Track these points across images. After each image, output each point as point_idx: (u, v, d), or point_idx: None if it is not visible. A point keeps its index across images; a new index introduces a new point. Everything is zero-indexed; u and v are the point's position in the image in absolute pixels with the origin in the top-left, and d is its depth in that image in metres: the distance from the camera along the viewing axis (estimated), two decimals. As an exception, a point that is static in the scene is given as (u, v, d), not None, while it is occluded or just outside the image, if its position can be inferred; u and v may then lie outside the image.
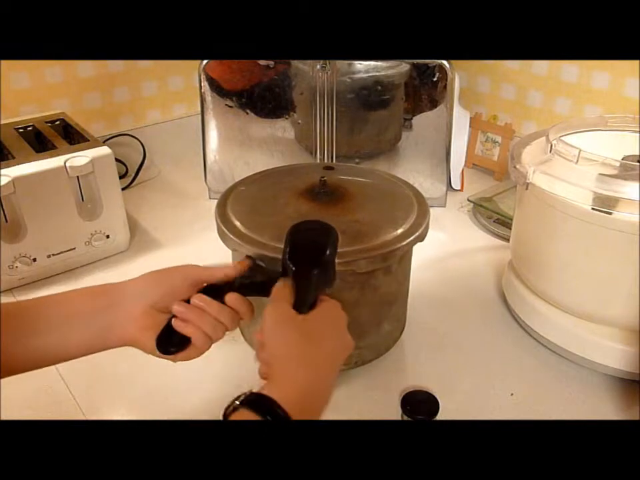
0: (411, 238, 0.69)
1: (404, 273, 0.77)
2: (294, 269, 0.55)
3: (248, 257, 0.64)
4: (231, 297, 0.56)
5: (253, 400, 0.46)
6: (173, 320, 0.55)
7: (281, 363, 0.49)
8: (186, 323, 0.55)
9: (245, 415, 0.44)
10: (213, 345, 0.56)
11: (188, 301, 0.56)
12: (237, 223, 0.70)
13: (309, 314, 0.53)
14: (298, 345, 0.50)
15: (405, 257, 0.74)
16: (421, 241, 0.71)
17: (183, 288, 0.56)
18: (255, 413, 0.44)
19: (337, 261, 0.59)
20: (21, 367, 0.52)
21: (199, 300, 0.55)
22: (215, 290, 0.57)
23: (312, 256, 0.57)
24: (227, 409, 0.47)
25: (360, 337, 0.73)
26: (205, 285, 0.57)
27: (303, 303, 0.54)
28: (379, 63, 1.04)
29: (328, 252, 0.57)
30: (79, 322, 0.53)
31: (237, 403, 0.46)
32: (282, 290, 0.54)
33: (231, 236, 0.68)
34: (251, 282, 0.59)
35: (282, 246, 0.58)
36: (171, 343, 0.55)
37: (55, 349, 0.53)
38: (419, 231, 0.70)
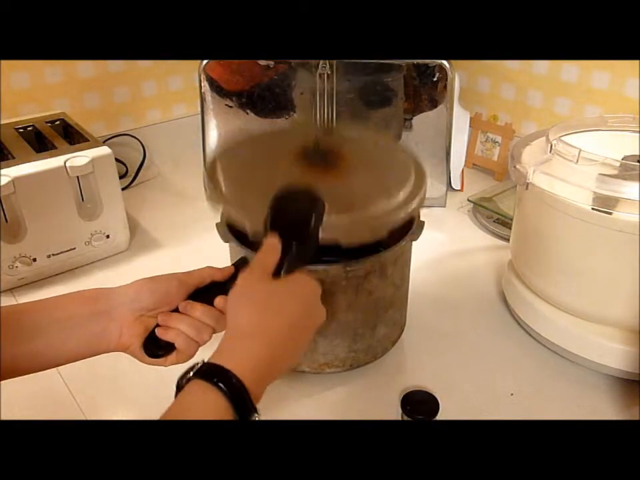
0: (405, 210, 0.65)
1: (401, 276, 0.75)
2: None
3: (243, 257, 0.64)
4: (219, 300, 0.56)
5: (206, 370, 0.45)
6: (157, 328, 0.55)
7: (236, 330, 0.49)
8: (167, 329, 0.55)
9: (199, 384, 0.44)
10: (212, 345, 0.56)
11: None
12: (225, 185, 0.67)
13: (275, 282, 0.52)
14: (257, 313, 0.50)
15: (401, 258, 0.73)
16: (416, 214, 0.68)
17: (175, 294, 0.56)
18: (209, 383, 0.44)
19: (320, 234, 0.57)
20: (10, 373, 0.52)
21: (183, 305, 0.56)
22: (205, 294, 0.57)
23: (294, 227, 0.56)
24: (180, 379, 0.47)
25: (354, 340, 0.73)
26: (194, 289, 0.57)
27: (278, 275, 0.53)
28: (379, 63, 1.04)
29: (312, 224, 0.55)
30: (70, 328, 0.53)
31: (191, 373, 0.46)
32: (260, 259, 0.54)
33: (218, 204, 0.66)
34: None
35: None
36: (158, 347, 0.55)
37: (46, 355, 0.53)
38: (412, 204, 0.66)
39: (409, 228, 0.72)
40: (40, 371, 0.54)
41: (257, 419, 0.45)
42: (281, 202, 0.57)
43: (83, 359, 0.55)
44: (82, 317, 0.54)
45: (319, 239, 0.57)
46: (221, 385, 0.44)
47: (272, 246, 0.55)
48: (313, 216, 0.56)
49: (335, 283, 0.67)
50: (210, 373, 0.45)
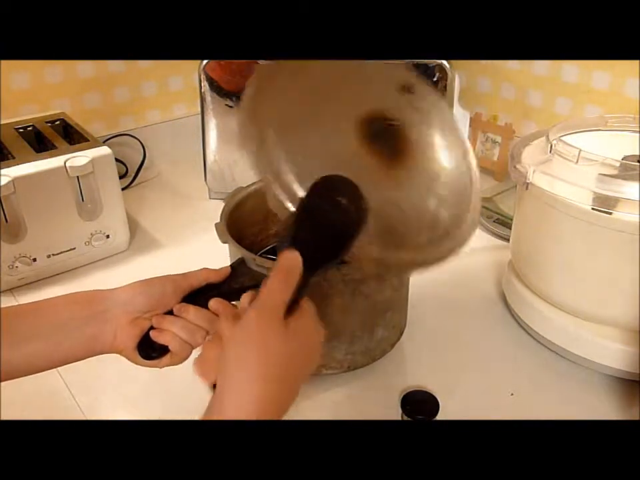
0: (439, 257, 0.55)
1: (399, 280, 0.74)
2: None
3: (241, 259, 0.64)
4: (213, 302, 0.55)
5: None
6: (151, 330, 0.55)
7: (243, 374, 0.44)
8: (161, 331, 0.55)
9: None
10: None
11: None
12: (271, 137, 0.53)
13: (286, 328, 0.45)
14: (266, 358, 0.44)
15: None
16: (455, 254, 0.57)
17: (170, 296, 0.56)
18: None
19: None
20: (4, 375, 0.52)
21: (177, 308, 0.56)
22: (201, 295, 0.57)
23: (325, 244, 0.44)
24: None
25: (351, 343, 0.73)
26: (190, 291, 0.57)
27: (295, 302, 0.45)
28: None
29: (348, 245, 0.45)
30: (65, 331, 0.54)
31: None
32: (274, 290, 0.45)
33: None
34: (241, 287, 0.58)
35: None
36: (152, 349, 0.55)
37: (40, 357, 0.53)
38: (455, 249, 0.55)
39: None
40: (35, 373, 0.54)
41: None
42: (317, 203, 0.45)
43: (77, 360, 0.55)
44: (76, 320, 0.54)
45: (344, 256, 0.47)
46: None
47: (291, 271, 0.45)
48: (352, 236, 0.45)
49: (332, 286, 0.67)
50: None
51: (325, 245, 0.45)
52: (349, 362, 0.74)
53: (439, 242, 0.55)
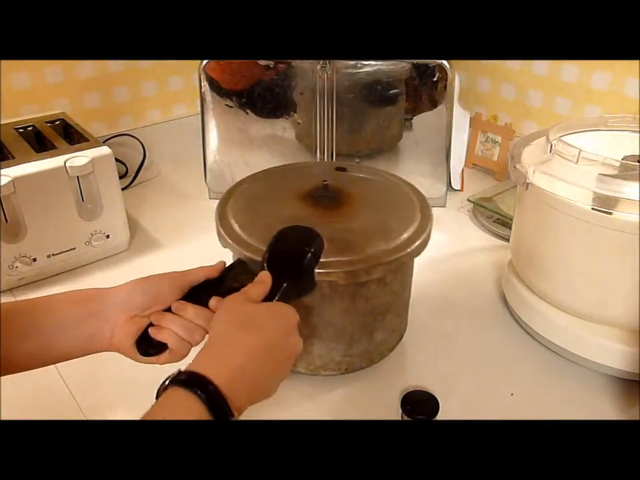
0: (400, 254, 0.66)
1: (401, 284, 0.75)
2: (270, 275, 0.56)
3: (240, 259, 0.64)
4: (212, 301, 0.56)
5: (183, 378, 0.45)
6: (150, 327, 0.55)
7: (215, 342, 0.50)
8: (160, 328, 0.55)
9: (176, 392, 0.44)
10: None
11: None
12: (232, 221, 0.70)
13: (257, 304, 0.53)
14: (236, 327, 0.50)
15: (402, 268, 0.72)
16: (415, 256, 0.70)
17: (168, 294, 0.56)
18: (186, 390, 0.44)
19: (317, 270, 0.59)
20: (3, 371, 0.52)
21: (175, 305, 0.56)
22: (200, 293, 0.57)
23: (289, 265, 0.57)
24: (158, 390, 0.46)
25: (350, 345, 0.73)
26: (189, 288, 0.57)
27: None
28: (379, 63, 1.04)
29: (305, 262, 0.58)
30: (63, 329, 0.54)
31: (167, 382, 0.45)
32: (247, 290, 0.54)
33: (222, 232, 0.69)
34: (241, 285, 0.58)
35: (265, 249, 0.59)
36: (150, 346, 0.55)
37: (38, 354, 0.54)
38: (410, 247, 0.67)
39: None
40: (32, 369, 0.54)
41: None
42: (279, 240, 0.59)
43: (75, 358, 0.55)
44: (75, 318, 0.54)
45: (314, 278, 0.59)
46: (198, 391, 0.44)
47: (262, 281, 0.55)
48: (308, 255, 0.58)
49: (332, 287, 0.67)
50: (187, 380, 0.45)
51: (287, 265, 0.58)
52: (346, 364, 0.74)
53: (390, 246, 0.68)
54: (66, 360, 0.55)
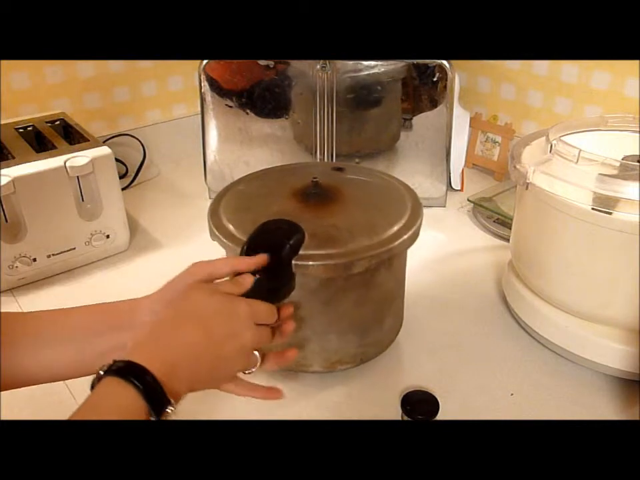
0: (381, 250, 0.66)
1: (403, 267, 0.78)
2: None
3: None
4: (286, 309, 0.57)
5: (119, 367, 0.44)
6: None
7: (153, 331, 0.49)
8: None
9: (110, 381, 0.43)
10: None
11: None
12: (222, 216, 0.72)
13: (212, 295, 0.52)
14: (182, 320, 0.49)
15: (404, 252, 0.74)
16: (402, 249, 0.69)
17: None
18: (122, 380, 0.43)
19: (294, 262, 0.60)
20: (21, 382, 0.52)
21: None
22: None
23: (265, 252, 0.57)
24: (93, 380, 0.45)
25: (364, 335, 0.74)
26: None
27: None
28: (379, 63, 1.04)
29: (283, 253, 0.58)
30: (88, 339, 0.53)
31: (102, 372, 0.44)
32: (226, 287, 0.53)
33: (212, 225, 0.70)
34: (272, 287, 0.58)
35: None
36: None
37: (60, 365, 0.52)
38: (394, 243, 0.67)
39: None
40: (52, 381, 0.53)
41: (171, 412, 0.44)
42: (260, 231, 0.60)
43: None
44: (100, 329, 0.53)
45: (291, 271, 0.59)
46: (132, 379, 0.43)
47: (240, 283, 0.54)
48: (286, 247, 0.58)
49: (346, 279, 0.68)
50: (120, 368, 0.44)
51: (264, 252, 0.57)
52: (361, 355, 0.75)
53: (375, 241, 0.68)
54: (87, 374, 0.51)
